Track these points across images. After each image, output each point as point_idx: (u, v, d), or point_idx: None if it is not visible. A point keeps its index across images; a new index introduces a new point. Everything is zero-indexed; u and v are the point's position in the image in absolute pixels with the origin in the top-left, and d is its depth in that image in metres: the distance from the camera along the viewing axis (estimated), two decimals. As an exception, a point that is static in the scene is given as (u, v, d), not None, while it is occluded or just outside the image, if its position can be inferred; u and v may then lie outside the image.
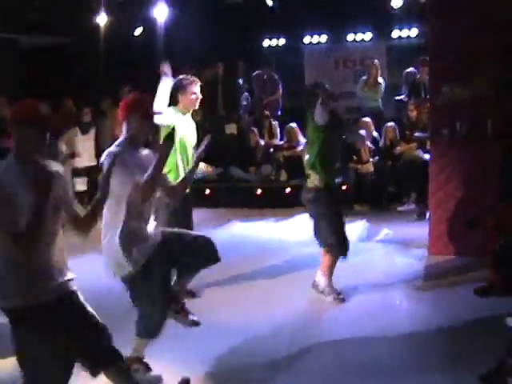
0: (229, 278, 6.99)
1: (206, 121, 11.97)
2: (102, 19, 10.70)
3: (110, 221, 4.36)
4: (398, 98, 11.53)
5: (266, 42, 13.98)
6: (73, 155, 9.98)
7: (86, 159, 10.12)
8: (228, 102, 11.86)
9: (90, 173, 10.03)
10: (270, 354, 5.03)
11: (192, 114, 6.38)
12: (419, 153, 9.96)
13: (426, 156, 9.23)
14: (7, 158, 3.44)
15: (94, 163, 9.92)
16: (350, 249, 7.49)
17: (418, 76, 11.28)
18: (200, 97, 6.13)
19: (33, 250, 3.32)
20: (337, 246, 6.09)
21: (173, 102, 6.13)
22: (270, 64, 12.63)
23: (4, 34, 12.54)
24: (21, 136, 3.41)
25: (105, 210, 4.22)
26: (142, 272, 4.36)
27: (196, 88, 6.08)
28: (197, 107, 6.21)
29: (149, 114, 4.56)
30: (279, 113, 12.61)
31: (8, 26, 11.79)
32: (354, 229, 9.09)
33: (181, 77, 6.11)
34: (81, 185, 10.13)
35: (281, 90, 12.56)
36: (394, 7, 9.52)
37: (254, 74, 12.59)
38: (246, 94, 12.73)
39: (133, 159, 4.34)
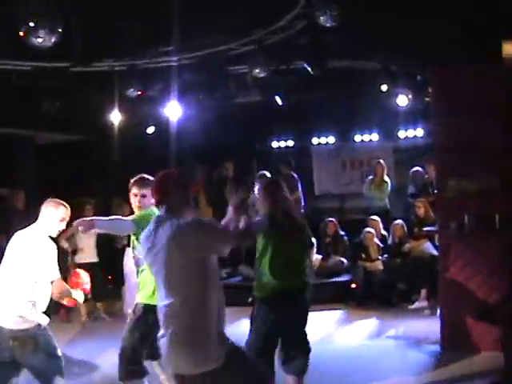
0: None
1: (216, 219, 12.03)
2: (115, 117, 10.91)
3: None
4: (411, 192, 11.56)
5: (275, 144, 14.25)
6: (74, 252, 10.05)
7: (87, 255, 10.11)
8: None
9: (92, 269, 10.02)
10: None
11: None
12: (428, 248, 9.98)
13: (435, 252, 9.26)
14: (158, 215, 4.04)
15: (95, 260, 10.07)
16: (360, 345, 7.45)
17: (426, 176, 11.38)
18: (139, 198, 5.77)
19: None
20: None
21: None
22: (289, 163, 12.70)
23: (21, 131, 12.89)
24: (178, 196, 3.97)
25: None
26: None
27: (135, 189, 5.80)
28: (137, 208, 5.83)
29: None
30: (302, 212, 12.34)
31: (25, 123, 12.13)
32: (363, 326, 9.08)
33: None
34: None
35: (300, 190, 12.46)
36: (400, 105, 9.77)
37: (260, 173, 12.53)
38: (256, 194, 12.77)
39: None
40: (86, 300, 9.96)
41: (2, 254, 4.24)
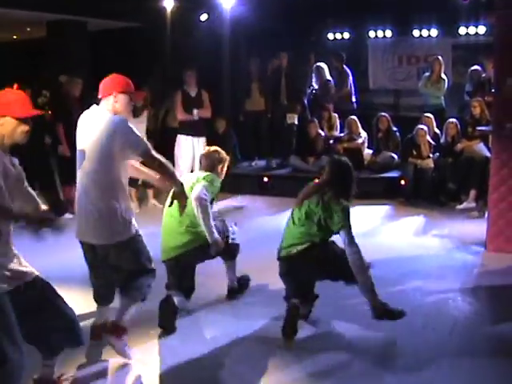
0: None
1: (268, 110, 12.05)
2: (168, 3, 10.74)
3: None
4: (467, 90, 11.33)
5: (331, 35, 13.89)
6: None
7: None
8: (291, 93, 11.83)
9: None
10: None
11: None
12: (481, 148, 9.80)
13: (488, 153, 9.09)
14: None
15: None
16: (404, 241, 7.45)
17: (484, 75, 11.05)
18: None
19: None
20: None
21: None
22: (340, 56, 12.48)
23: (74, 17, 12.85)
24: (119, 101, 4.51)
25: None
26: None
27: None
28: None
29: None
30: (355, 106, 12.43)
31: (78, 10, 12.07)
32: (411, 223, 9.10)
33: None
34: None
35: (350, 84, 12.40)
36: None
37: (316, 65, 12.52)
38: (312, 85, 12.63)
39: None
40: (136, 186, 10.22)
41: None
